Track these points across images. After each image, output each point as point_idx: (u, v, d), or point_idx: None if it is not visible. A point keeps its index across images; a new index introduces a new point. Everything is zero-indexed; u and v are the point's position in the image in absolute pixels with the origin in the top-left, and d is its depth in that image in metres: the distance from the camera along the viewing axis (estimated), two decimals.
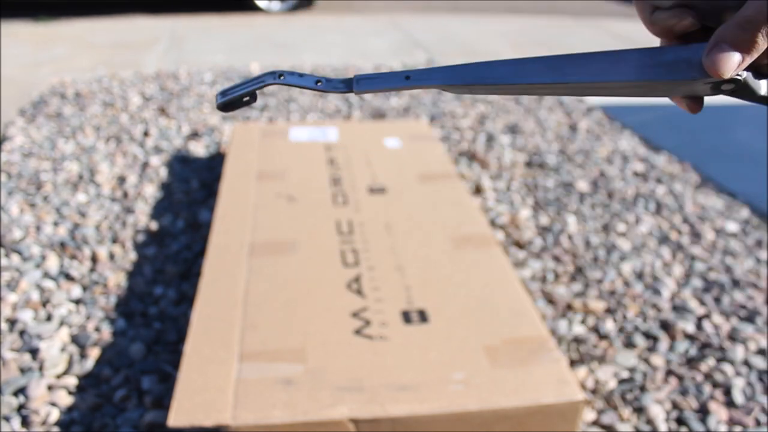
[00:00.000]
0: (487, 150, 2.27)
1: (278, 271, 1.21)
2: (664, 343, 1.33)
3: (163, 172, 2.05)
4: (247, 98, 0.38)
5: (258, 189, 1.53)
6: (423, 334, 1.05)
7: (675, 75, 0.36)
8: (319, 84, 0.36)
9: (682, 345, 1.33)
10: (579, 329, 1.37)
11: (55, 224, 1.72)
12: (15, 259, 1.56)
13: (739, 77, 0.36)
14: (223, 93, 0.37)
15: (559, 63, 0.35)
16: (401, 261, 1.24)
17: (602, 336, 1.35)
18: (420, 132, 1.92)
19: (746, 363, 1.29)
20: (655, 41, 0.40)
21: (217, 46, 3.71)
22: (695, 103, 0.40)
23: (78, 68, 3.19)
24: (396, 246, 1.29)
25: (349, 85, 0.36)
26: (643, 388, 1.22)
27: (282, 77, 0.36)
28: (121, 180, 1.99)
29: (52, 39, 3.79)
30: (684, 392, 1.21)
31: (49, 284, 1.46)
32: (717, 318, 1.42)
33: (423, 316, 1.09)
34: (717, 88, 0.38)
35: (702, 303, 1.47)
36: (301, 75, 0.36)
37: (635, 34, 4.27)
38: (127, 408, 1.14)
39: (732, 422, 1.16)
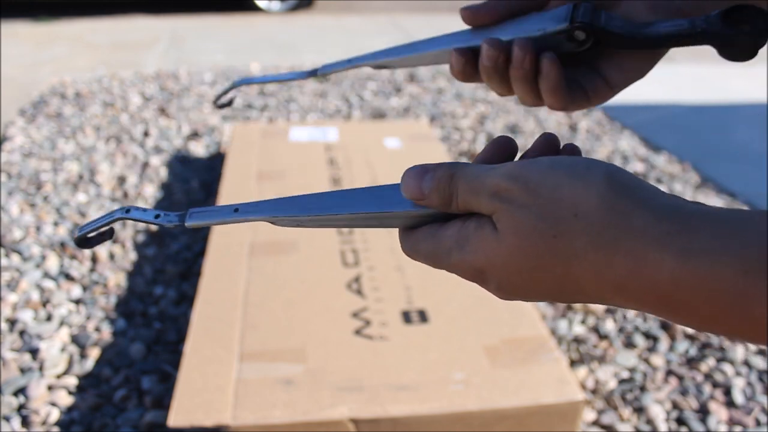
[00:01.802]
0: None
1: (278, 271, 1.21)
2: (664, 343, 1.33)
3: (163, 172, 2.05)
4: (106, 234, 0.40)
5: (258, 189, 1.53)
6: (423, 334, 1.05)
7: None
8: (158, 218, 0.38)
9: (682, 345, 1.33)
10: (579, 329, 1.37)
11: (55, 224, 1.72)
12: (15, 259, 1.56)
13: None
14: (81, 228, 0.39)
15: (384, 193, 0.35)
16: (401, 261, 1.24)
17: (602, 336, 1.35)
18: (420, 132, 1.92)
19: (746, 363, 1.29)
20: None
21: (217, 46, 3.71)
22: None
23: (78, 68, 3.19)
24: (396, 246, 1.29)
25: (183, 218, 0.38)
26: (643, 388, 1.22)
27: (129, 212, 0.38)
28: (121, 180, 1.99)
29: (52, 39, 3.79)
30: (684, 392, 1.21)
31: (49, 284, 1.46)
32: None
33: (423, 316, 1.09)
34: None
35: None
36: (144, 210, 0.38)
37: None
38: (127, 408, 1.14)
39: (732, 422, 1.16)
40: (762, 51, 0.38)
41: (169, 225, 0.38)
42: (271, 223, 0.36)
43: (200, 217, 0.37)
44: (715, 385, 1.24)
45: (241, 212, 0.36)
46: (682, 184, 2.07)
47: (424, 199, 0.32)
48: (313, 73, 0.51)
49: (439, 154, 1.75)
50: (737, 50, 0.38)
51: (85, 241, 0.39)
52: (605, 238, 0.27)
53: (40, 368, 1.23)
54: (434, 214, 0.33)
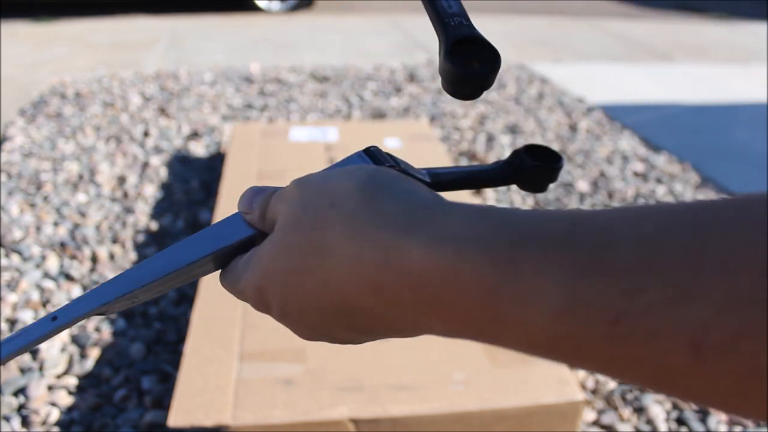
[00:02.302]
0: (487, 150, 2.27)
1: None
2: None
3: (163, 172, 2.05)
4: None
5: None
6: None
7: None
8: None
9: None
10: None
11: (55, 224, 1.72)
12: (15, 259, 1.56)
13: None
14: None
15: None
16: None
17: None
18: (420, 132, 1.92)
19: None
20: None
21: (217, 46, 3.71)
22: None
23: (78, 68, 3.19)
24: None
25: None
26: (642, 388, 1.22)
27: None
28: (121, 180, 1.99)
29: (52, 39, 3.79)
30: None
31: (49, 284, 1.46)
32: None
33: None
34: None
35: None
36: None
37: (635, 34, 4.27)
38: (127, 408, 1.14)
39: (732, 422, 1.16)
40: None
41: None
42: (103, 314, 0.31)
43: (13, 344, 0.29)
44: None
45: (61, 318, 0.30)
46: (682, 184, 2.07)
47: (251, 211, 0.32)
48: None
49: (439, 154, 1.75)
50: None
51: None
52: (356, 227, 0.25)
53: (40, 368, 1.23)
54: (241, 246, 0.32)
